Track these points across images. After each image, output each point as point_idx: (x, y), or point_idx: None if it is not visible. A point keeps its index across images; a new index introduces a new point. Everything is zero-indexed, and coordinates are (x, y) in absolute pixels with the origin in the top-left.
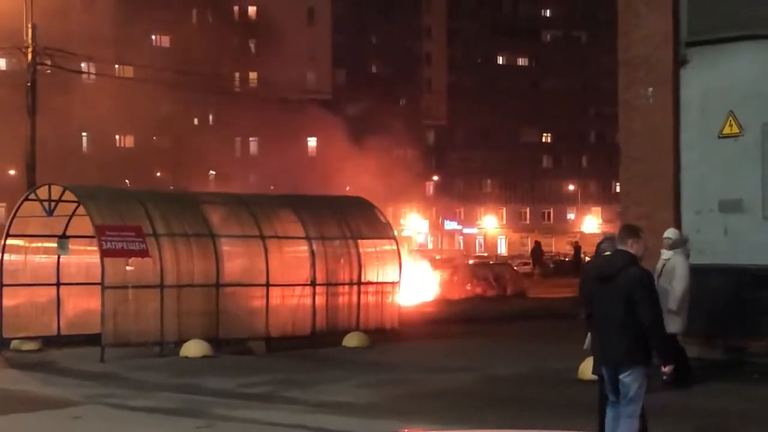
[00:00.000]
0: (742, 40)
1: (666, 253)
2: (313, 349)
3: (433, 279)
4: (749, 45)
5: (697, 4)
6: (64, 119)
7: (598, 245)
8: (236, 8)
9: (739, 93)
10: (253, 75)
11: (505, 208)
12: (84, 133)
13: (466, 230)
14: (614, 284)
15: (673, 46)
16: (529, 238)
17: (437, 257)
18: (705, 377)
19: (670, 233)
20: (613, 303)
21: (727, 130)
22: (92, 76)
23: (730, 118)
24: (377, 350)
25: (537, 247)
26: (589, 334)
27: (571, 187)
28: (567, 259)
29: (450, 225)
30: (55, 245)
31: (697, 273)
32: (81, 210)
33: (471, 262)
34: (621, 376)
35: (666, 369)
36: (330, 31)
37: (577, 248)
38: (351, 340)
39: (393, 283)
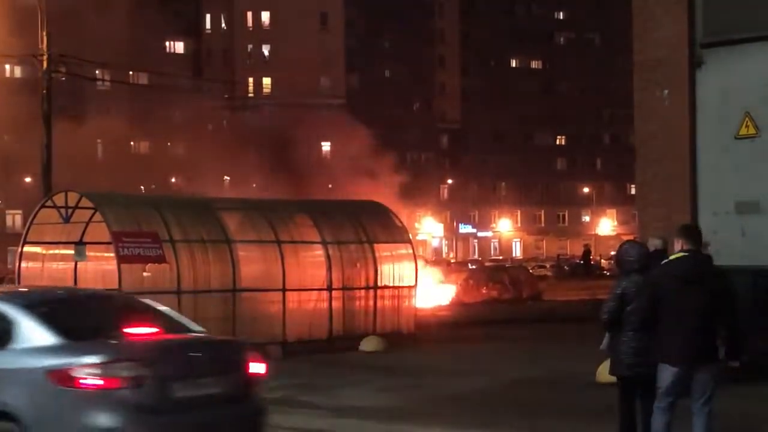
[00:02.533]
0: (758, 41)
1: None
2: (330, 354)
3: (449, 285)
4: (765, 46)
5: (712, 6)
6: (79, 126)
7: (620, 248)
8: (249, 13)
9: (755, 94)
10: (266, 80)
11: (519, 211)
12: (99, 140)
13: (480, 233)
14: (702, 284)
15: (689, 48)
16: (544, 241)
17: (452, 260)
18: (722, 379)
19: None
20: (701, 302)
21: (743, 131)
22: (107, 83)
23: (747, 119)
24: (394, 354)
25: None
26: (607, 335)
27: (586, 190)
28: (581, 262)
29: (464, 228)
30: (72, 252)
31: None
32: (97, 216)
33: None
34: (701, 374)
35: (736, 363)
36: (343, 36)
37: (586, 251)
38: (368, 344)
39: (409, 287)
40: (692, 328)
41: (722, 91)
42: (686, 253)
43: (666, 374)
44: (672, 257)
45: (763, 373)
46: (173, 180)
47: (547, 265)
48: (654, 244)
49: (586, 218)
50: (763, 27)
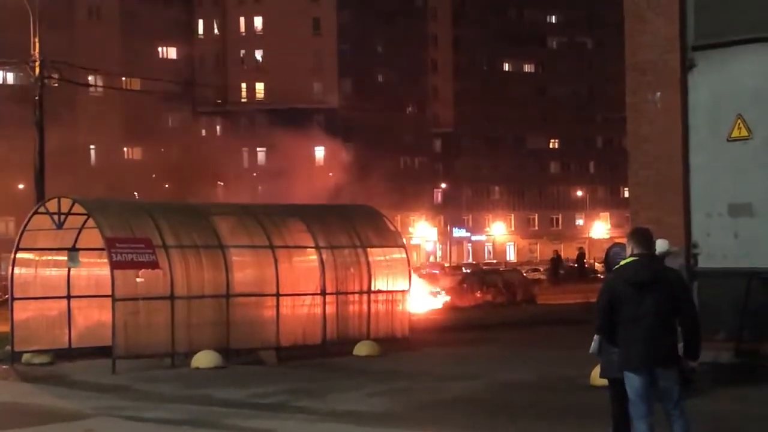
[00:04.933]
0: (749, 43)
1: None
2: (323, 359)
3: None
4: (757, 48)
5: (703, 8)
6: (72, 132)
7: (608, 252)
8: (242, 19)
9: (747, 96)
10: (259, 85)
11: (513, 215)
12: (92, 146)
13: (474, 237)
14: (657, 287)
15: (680, 50)
16: (538, 245)
17: (446, 265)
18: (717, 381)
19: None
20: (658, 306)
21: (735, 134)
22: (99, 89)
23: (739, 121)
24: (388, 359)
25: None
26: (596, 338)
27: (580, 193)
28: (575, 265)
29: (458, 232)
30: (65, 258)
31: (708, 277)
32: (90, 223)
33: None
34: (664, 378)
35: (694, 364)
36: (336, 41)
37: (580, 255)
38: (362, 349)
39: (403, 291)
40: (649, 333)
41: (714, 94)
42: (636, 258)
43: (631, 382)
44: (623, 262)
45: (758, 374)
46: (166, 186)
47: (541, 269)
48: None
49: (580, 221)
50: (754, 29)
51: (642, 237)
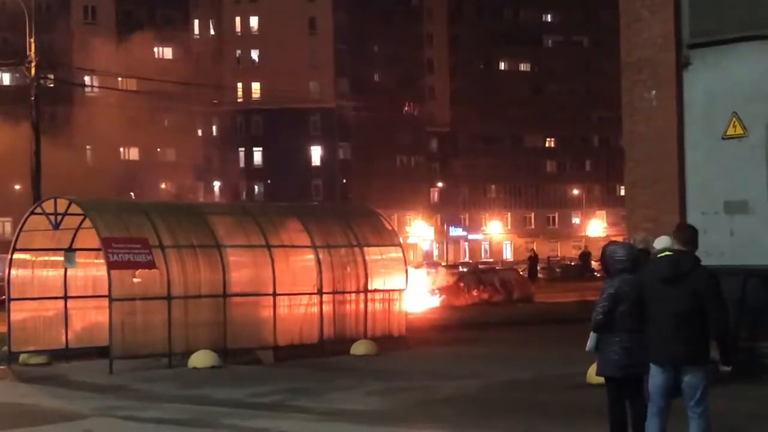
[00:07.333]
0: (744, 41)
1: None
2: (321, 358)
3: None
4: (752, 46)
5: (698, 6)
6: (68, 133)
7: (604, 250)
8: (238, 18)
9: (742, 94)
10: (255, 85)
11: (509, 213)
12: (88, 147)
13: (471, 236)
14: (683, 284)
15: (676, 49)
16: (535, 243)
17: (443, 264)
18: (714, 379)
19: (656, 242)
20: (679, 303)
21: (731, 131)
22: (95, 89)
23: (734, 119)
24: (385, 358)
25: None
26: (592, 336)
27: (576, 191)
28: (573, 264)
29: (455, 231)
30: (61, 259)
31: None
32: (87, 223)
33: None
34: (687, 376)
35: (727, 368)
36: (332, 41)
37: (585, 253)
38: (359, 348)
39: (400, 291)
40: (672, 330)
41: (709, 92)
42: (670, 253)
43: (654, 375)
44: (657, 257)
45: (756, 372)
46: (163, 186)
47: (538, 267)
48: (638, 243)
49: (576, 220)
50: (749, 27)
51: (678, 233)
